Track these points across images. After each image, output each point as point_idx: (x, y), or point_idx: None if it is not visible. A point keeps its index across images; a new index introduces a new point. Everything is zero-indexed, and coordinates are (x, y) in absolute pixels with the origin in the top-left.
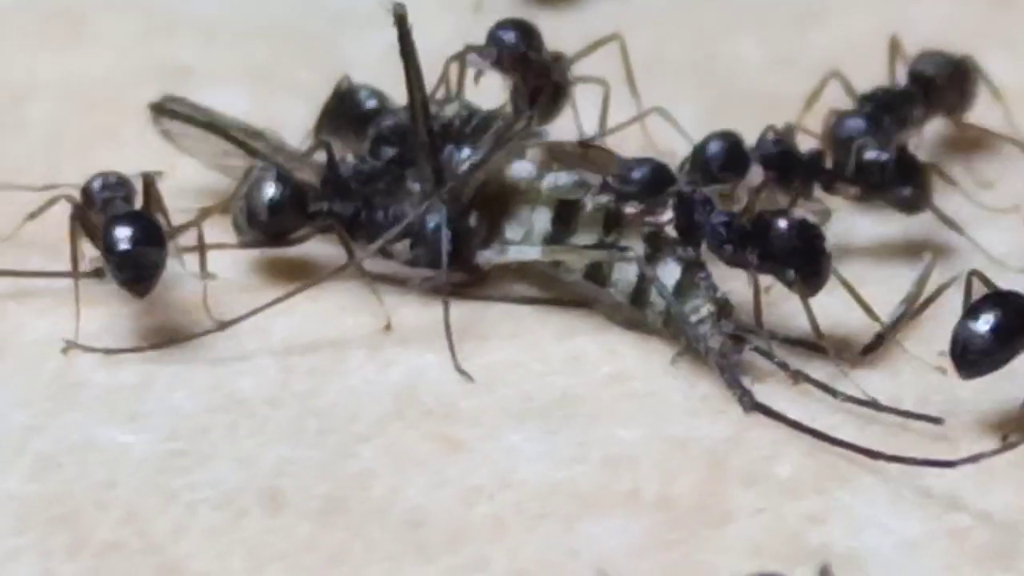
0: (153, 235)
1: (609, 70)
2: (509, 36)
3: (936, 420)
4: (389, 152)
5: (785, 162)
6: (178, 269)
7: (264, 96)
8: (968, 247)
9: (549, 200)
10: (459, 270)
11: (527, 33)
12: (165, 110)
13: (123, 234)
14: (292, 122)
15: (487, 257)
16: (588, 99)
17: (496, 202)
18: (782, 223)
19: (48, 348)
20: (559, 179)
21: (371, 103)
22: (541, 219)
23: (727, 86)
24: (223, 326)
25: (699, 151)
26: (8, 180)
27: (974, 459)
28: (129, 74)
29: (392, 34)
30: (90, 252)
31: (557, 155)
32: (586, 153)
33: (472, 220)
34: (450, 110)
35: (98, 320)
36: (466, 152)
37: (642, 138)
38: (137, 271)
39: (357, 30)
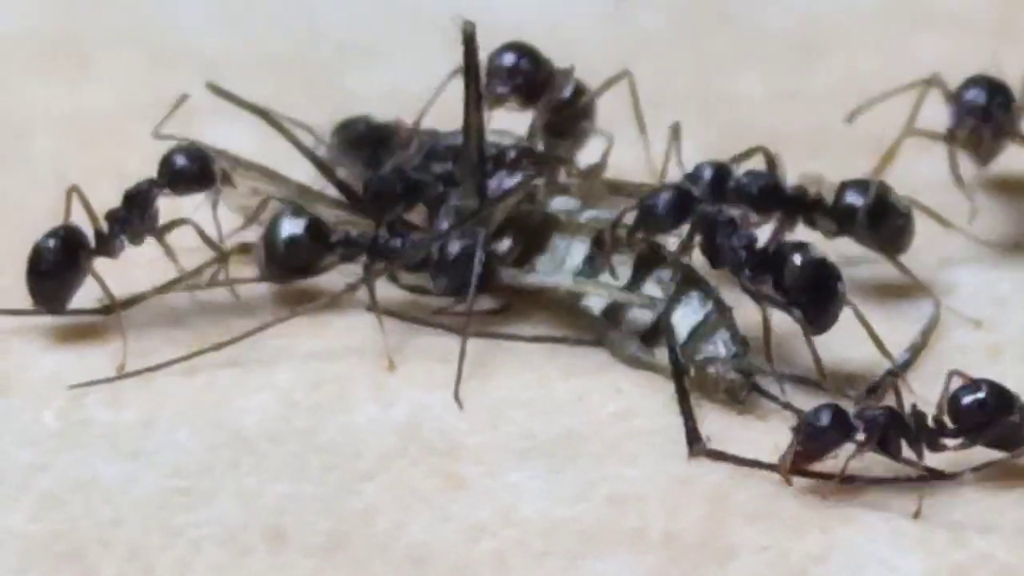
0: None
1: (614, 104)
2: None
3: (950, 476)
4: (438, 169)
5: (766, 195)
6: (186, 303)
7: (268, 130)
8: (973, 287)
9: (587, 235)
10: (481, 294)
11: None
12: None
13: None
14: (296, 156)
15: (512, 274)
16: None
17: (535, 234)
18: (797, 258)
19: (53, 386)
20: (601, 214)
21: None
22: (575, 254)
23: (729, 120)
24: (219, 346)
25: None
26: (11, 215)
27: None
28: (133, 109)
29: (395, 70)
30: (96, 290)
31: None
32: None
33: (504, 246)
34: (506, 140)
35: (104, 355)
36: (509, 181)
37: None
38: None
39: (361, 65)
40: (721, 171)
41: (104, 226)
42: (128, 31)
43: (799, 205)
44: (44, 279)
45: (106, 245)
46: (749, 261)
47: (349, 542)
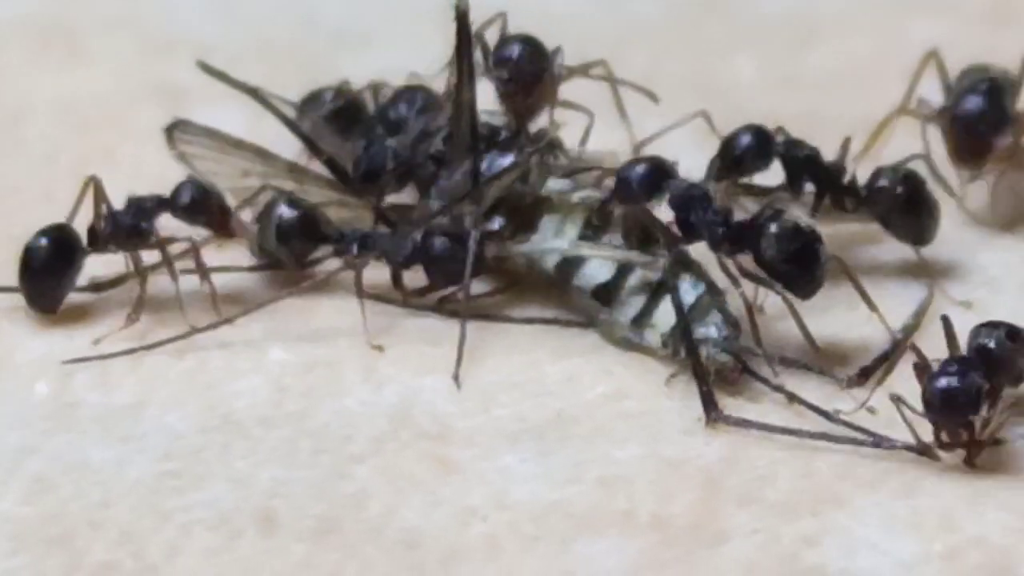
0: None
1: (601, 89)
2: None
3: (932, 455)
4: (430, 148)
5: (809, 163)
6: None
7: (261, 115)
8: (967, 269)
9: (579, 215)
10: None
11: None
12: (180, 131)
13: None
14: (289, 141)
15: (504, 246)
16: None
17: (526, 214)
18: (773, 226)
19: (42, 368)
20: (592, 194)
21: (336, 103)
22: (566, 234)
23: (724, 105)
24: (213, 325)
25: (729, 143)
26: (4, 201)
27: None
28: (126, 94)
29: (390, 55)
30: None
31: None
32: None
33: (496, 224)
34: (498, 120)
35: (93, 337)
36: (502, 160)
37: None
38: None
39: (353, 49)
40: (764, 135)
41: (101, 225)
42: (121, 17)
43: (832, 183)
44: (37, 279)
45: (98, 244)
46: (726, 236)
47: (340, 526)
